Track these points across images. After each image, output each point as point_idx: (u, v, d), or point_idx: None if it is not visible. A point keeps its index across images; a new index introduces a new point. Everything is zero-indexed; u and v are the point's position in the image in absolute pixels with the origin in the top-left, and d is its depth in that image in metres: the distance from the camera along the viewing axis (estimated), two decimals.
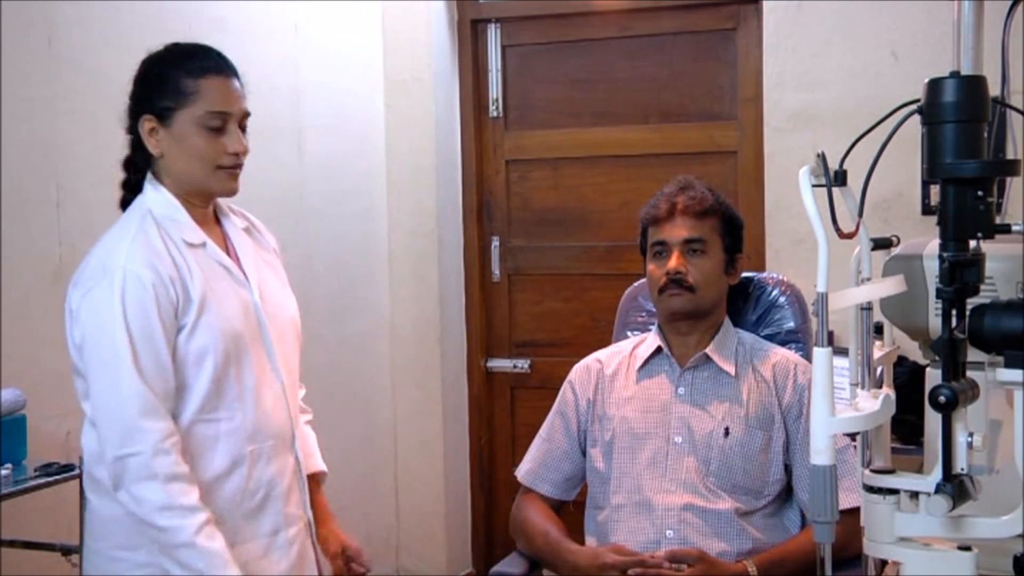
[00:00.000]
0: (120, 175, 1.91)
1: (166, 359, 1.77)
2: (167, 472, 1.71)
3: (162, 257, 1.79)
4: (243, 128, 1.89)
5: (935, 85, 1.29)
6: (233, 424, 1.85)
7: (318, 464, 2.09)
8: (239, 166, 1.88)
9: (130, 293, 1.74)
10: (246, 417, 1.86)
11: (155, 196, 1.86)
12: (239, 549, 1.84)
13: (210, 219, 1.94)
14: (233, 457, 1.84)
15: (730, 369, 2.21)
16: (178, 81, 1.83)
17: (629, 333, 2.47)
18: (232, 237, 1.96)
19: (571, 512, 2.36)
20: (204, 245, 1.87)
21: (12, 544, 2.24)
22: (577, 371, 2.35)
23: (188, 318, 1.80)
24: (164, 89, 1.84)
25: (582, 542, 2.23)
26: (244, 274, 1.92)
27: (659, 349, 2.27)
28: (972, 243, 1.30)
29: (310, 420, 2.12)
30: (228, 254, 1.92)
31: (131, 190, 1.90)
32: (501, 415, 3.99)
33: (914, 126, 1.33)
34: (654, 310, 2.35)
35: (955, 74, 1.29)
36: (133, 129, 1.88)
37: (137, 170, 1.90)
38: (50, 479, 2.14)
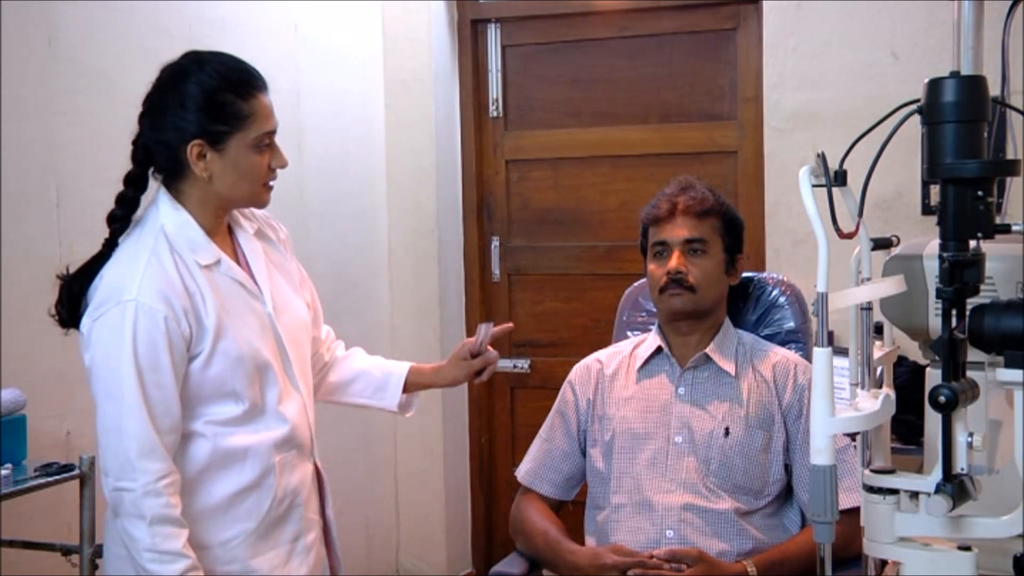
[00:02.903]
0: (121, 176, 1.89)
1: (172, 394, 1.77)
2: (154, 514, 1.71)
3: (175, 287, 1.78)
4: None
5: (935, 85, 1.29)
6: (260, 437, 1.86)
7: (400, 366, 2.20)
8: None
9: (141, 327, 1.74)
10: (273, 429, 1.88)
11: (171, 214, 1.83)
12: (264, 557, 1.87)
13: (223, 229, 1.93)
14: (262, 468, 1.86)
15: (730, 369, 2.21)
16: (232, 105, 1.80)
17: (629, 333, 2.47)
18: (244, 247, 1.95)
19: (571, 512, 2.37)
20: (218, 263, 1.85)
21: (12, 544, 2.24)
22: (577, 371, 2.35)
23: (203, 346, 1.79)
24: (217, 114, 1.80)
25: (582, 542, 2.23)
26: (258, 286, 1.91)
27: (659, 349, 2.27)
28: (972, 243, 1.30)
29: (352, 351, 2.22)
30: (240, 265, 1.92)
31: (127, 206, 1.86)
32: (501, 415, 3.99)
33: (914, 126, 1.33)
34: (654, 310, 2.35)
35: (955, 74, 1.29)
36: (141, 142, 1.85)
37: (138, 187, 1.87)
38: (50, 479, 2.14)
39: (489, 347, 2.17)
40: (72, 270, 1.85)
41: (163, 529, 1.72)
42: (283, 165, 1.88)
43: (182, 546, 1.73)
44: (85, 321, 1.79)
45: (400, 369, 2.19)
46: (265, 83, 1.87)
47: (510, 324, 2.29)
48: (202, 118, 1.79)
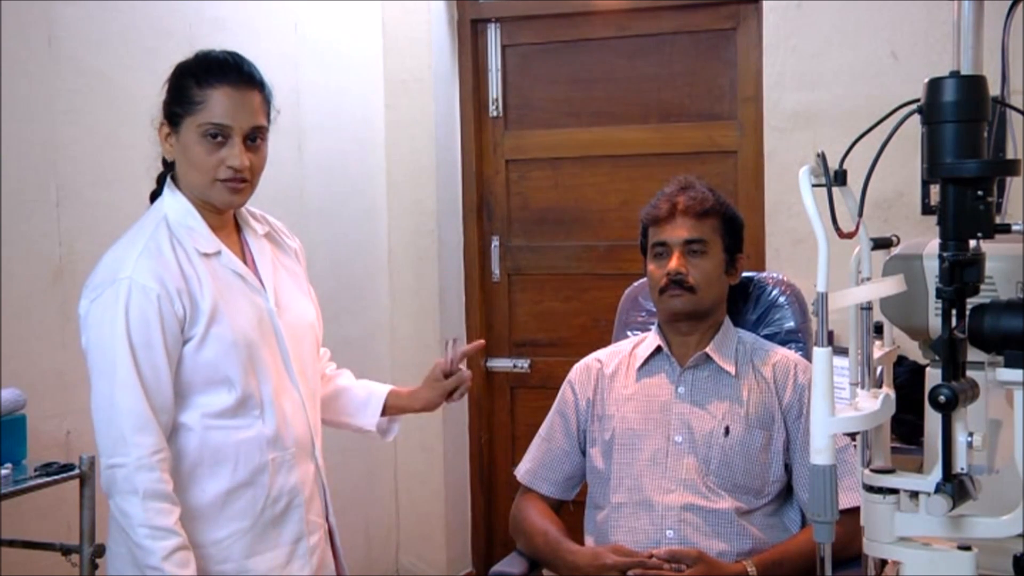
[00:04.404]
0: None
1: (165, 372, 1.77)
2: (147, 488, 1.72)
3: (170, 268, 1.79)
4: (256, 141, 1.86)
5: (935, 85, 1.29)
6: (253, 433, 1.86)
7: (381, 387, 2.18)
8: (242, 181, 1.85)
9: (134, 304, 1.75)
10: (266, 426, 1.87)
11: (172, 201, 1.87)
12: (262, 558, 1.87)
13: (229, 225, 1.94)
14: (255, 466, 1.86)
15: (730, 369, 2.21)
16: (188, 89, 1.83)
17: (629, 333, 2.47)
18: (251, 244, 1.96)
19: (571, 512, 2.37)
20: (218, 254, 1.86)
21: (12, 544, 2.24)
22: (577, 371, 2.35)
23: (197, 329, 1.80)
24: (176, 95, 1.85)
25: (582, 542, 2.23)
26: (260, 282, 1.92)
27: (659, 349, 2.27)
28: (972, 243, 1.30)
29: (340, 371, 2.21)
30: (245, 261, 1.92)
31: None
32: (501, 415, 3.99)
33: (914, 126, 1.33)
34: (654, 310, 2.35)
35: (955, 74, 1.29)
36: None
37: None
38: (50, 479, 2.14)
39: (461, 366, 2.16)
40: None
41: (156, 504, 1.72)
42: (236, 165, 1.82)
43: (174, 523, 1.73)
44: (83, 303, 1.81)
45: (381, 390, 2.18)
46: (241, 79, 1.85)
47: (481, 341, 2.29)
48: (167, 99, 1.86)
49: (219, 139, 1.82)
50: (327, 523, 2.02)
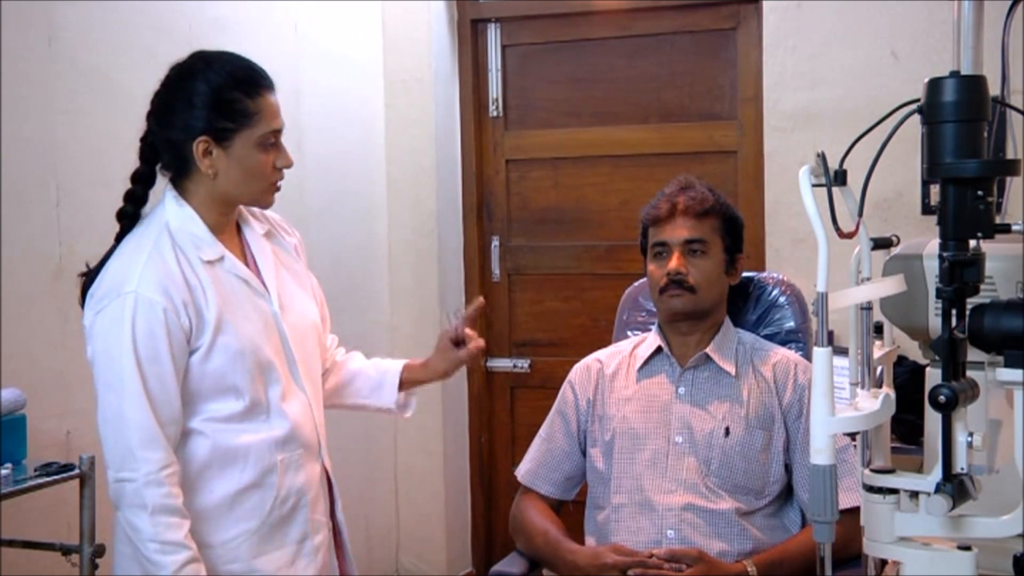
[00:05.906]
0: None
1: (172, 385, 1.77)
2: (156, 503, 1.72)
3: (175, 280, 1.79)
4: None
5: (935, 85, 1.29)
6: (262, 435, 1.86)
7: (395, 363, 2.20)
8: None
9: (141, 318, 1.75)
10: (275, 428, 1.88)
11: (177, 211, 1.85)
12: (268, 557, 1.87)
13: (231, 228, 1.93)
14: (264, 467, 1.86)
15: (730, 369, 2.21)
16: (239, 103, 1.82)
17: (629, 333, 2.47)
18: (252, 245, 1.96)
19: (571, 512, 2.37)
20: (222, 260, 1.86)
21: (12, 544, 2.24)
22: (577, 371, 2.35)
23: (203, 340, 1.80)
24: (224, 111, 1.81)
25: (582, 542, 2.23)
26: (264, 284, 1.92)
27: (659, 349, 2.27)
28: (972, 243, 1.30)
29: (350, 354, 2.21)
30: (247, 263, 1.92)
31: (135, 202, 1.89)
32: (501, 415, 3.99)
33: (914, 126, 1.33)
34: (654, 310, 2.35)
35: (955, 74, 1.29)
36: (149, 140, 1.87)
37: (145, 184, 1.89)
38: (50, 479, 2.14)
39: (468, 331, 2.16)
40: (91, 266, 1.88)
41: (165, 519, 1.73)
42: (288, 165, 1.89)
43: (184, 536, 1.74)
44: (88, 314, 1.81)
45: (395, 367, 2.19)
46: (272, 83, 1.89)
47: (482, 300, 2.28)
48: (209, 115, 1.81)
49: (273, 145, 1.86)
50: (332, 521, 2.03)
